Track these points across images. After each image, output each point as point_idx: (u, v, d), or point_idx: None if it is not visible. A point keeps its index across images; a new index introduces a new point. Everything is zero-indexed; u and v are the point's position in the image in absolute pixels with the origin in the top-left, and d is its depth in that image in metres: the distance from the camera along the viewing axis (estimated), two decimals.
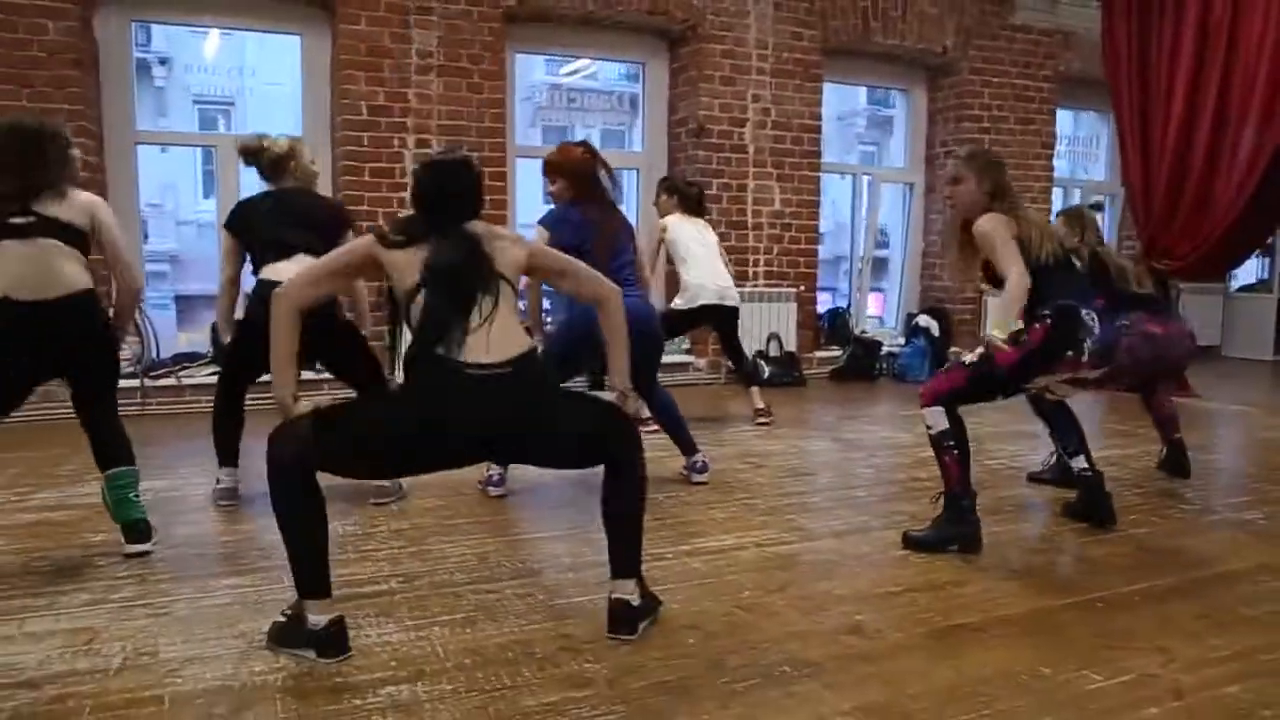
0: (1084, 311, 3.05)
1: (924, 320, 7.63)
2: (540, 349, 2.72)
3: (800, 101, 7.30)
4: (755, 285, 7.25)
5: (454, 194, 2.34)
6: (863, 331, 7.94)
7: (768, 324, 7.21)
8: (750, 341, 7.11)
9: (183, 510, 3.54)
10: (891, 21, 7.49)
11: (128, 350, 2.80)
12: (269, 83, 15.79)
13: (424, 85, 6.17)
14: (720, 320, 5.42)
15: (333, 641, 2.20)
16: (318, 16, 6.14)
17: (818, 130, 7.42)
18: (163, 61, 17.11)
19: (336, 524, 3.35)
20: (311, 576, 2.22)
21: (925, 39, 7.66)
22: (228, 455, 3.62)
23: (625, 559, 2.39)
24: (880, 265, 9.32)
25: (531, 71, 14.83)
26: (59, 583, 2.73)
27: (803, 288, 7.44)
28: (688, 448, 4.01)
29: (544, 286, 3.88)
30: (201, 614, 2.50)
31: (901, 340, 7.92)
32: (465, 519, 3.43)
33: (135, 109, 6.09)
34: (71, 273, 2.83)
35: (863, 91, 15.98)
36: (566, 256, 2.61)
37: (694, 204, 5.50)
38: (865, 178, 8.37)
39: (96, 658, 2.22)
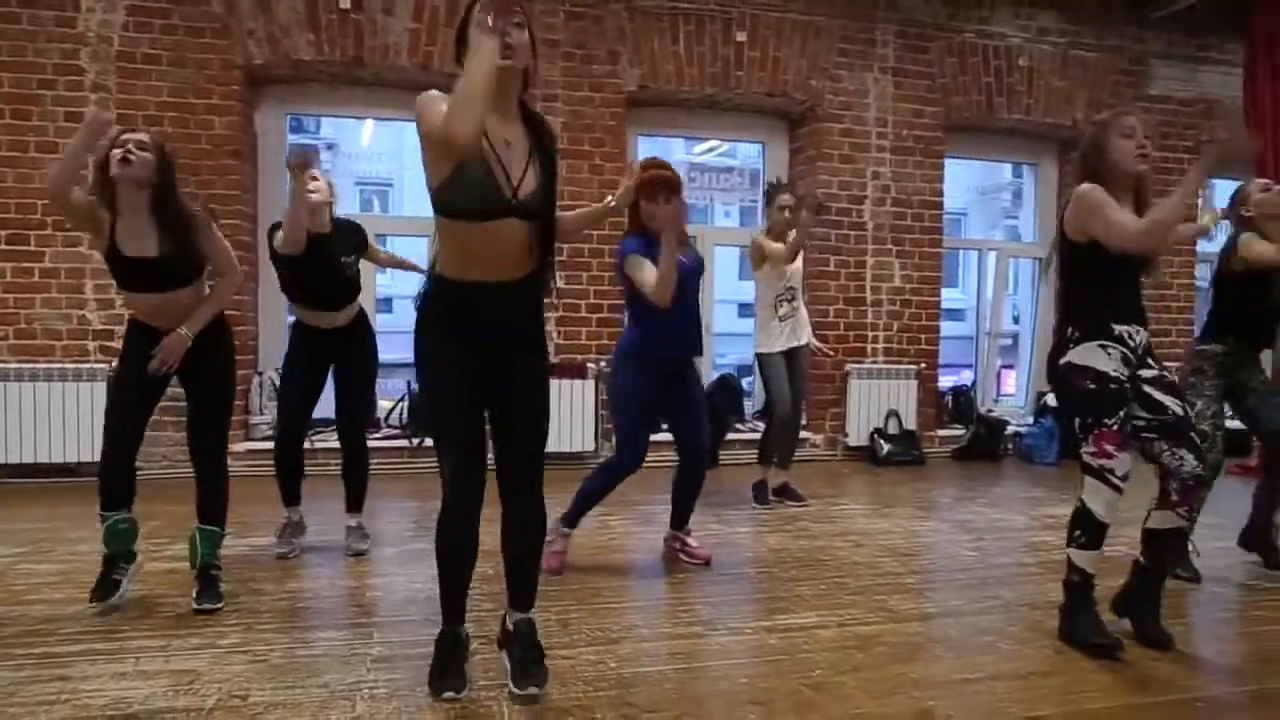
0: None
1: (1053, 399, 7.31)
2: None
3: (921, 178, 7.27)
4: (874, 361, 7.19)
5: None
6: (988, 410, 7.70)
7: (887, 401, 7.11)
8: (869, 418, 7.07)
9: (294, 565, 3.78)
10: (1017, 96, 7.40)
11: None
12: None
13: None
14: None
15: None
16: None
17: (939, 207, 7.34)
18: (329, 147, 18.46)
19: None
20: None
21: (1053, 113, 7.51)
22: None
23: None
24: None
25: (671, 152, 15.17)
26: (176, 627, 2.96)
27: (924, 365, 7.30)
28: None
29: None
30: (294, 664, 2.67)
31: (1030, 419, 7.63)
32: (551, 586, 3.51)
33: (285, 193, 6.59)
34: None
35: (1009, 165, 15.67)
36: None
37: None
38: (992, 253, 8.24)
39: (194, 697, 2.41)
